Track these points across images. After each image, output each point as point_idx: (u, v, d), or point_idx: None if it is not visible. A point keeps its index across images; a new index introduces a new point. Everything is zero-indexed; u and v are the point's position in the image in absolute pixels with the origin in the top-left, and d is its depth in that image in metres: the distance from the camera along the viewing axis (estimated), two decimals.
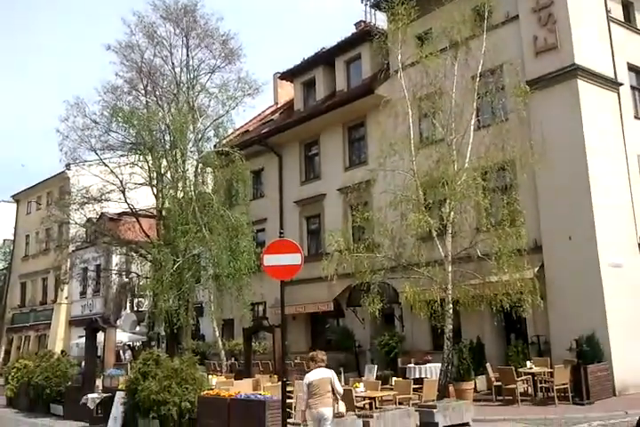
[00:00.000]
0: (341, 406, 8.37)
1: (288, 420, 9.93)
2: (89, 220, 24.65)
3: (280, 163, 26.22)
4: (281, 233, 10.39)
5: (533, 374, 14.74)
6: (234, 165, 21.18)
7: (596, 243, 15.58)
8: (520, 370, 14.74)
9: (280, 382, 9.73)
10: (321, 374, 8.29)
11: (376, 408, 12.14)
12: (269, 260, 9.53)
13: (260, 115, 31.59)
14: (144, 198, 23.59)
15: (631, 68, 18.66)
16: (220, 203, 20.55)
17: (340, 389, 8.37)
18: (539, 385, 14.65)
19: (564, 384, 13.83)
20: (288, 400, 11.15)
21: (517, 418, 12.36)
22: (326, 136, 24.32)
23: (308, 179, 25.22)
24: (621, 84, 17.93)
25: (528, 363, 15.22)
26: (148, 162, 22.49)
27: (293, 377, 14.93)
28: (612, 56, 17.98)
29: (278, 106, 31.30)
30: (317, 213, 24.37)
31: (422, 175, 16.09)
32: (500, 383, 14.64)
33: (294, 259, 9.47)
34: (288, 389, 12.52)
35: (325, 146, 24.43)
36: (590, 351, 14.23)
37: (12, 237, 44.22)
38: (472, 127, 16.10)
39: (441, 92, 16.44)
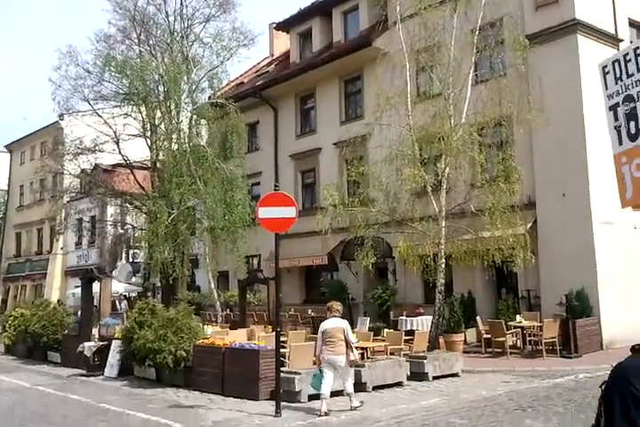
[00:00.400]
0: (355, 355, 9.06)
1: (281, 368, 10.18)
2: (83, 171, 24.52)
3: (275, 116, 25.92)
4: (276, 186, 10.39)
5: (523, 328, 15.07)
6: (228, 118, 20.95)
7: (589, 200, 15.65)
8: (510, 324, 15.06)
9: (274, 333, 9.91)
10: (335, 324, 8.93)
11: (368, 358, 12.43)
12: (264, 212, 9.57)
13: (255, 66, 30.99)
14: (138, 150, 23.39)
15: (632, 23, 18.28)
16: (214, 155, 20.42)
17: (352, 338, 8.98)
18: (527, 338, 14.99)
19: (552, 338, 14.15)
20: (282, 350, 11.41)
21: (506, 370, 12.70)
22: (322, 89, 23.97)
23: (303, 133, 25.01)
24: (622, 41, 17.60)
25: (518, 317, 15.53)
26: (141, 113, 22.20)
27: (287, 328, 15.25)
28: (614, 12, 17.60)
29: (274, 57, 30.67)
30: (312, 168, 24.28)
31: (418, 130, 15.96)
32: (489, 336, 14.97)
33: (289, 212, 9.52)
34: (282, 339, 12.84)
35: (321, 99, 24.13)
36: (579, 306, 14.52)
37: (6, 188, 44.04)
38: (470, 82, 15.86)
39: (439, 46, 16.12)
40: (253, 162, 24.40)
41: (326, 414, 8.68)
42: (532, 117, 14.92)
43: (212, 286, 20.90)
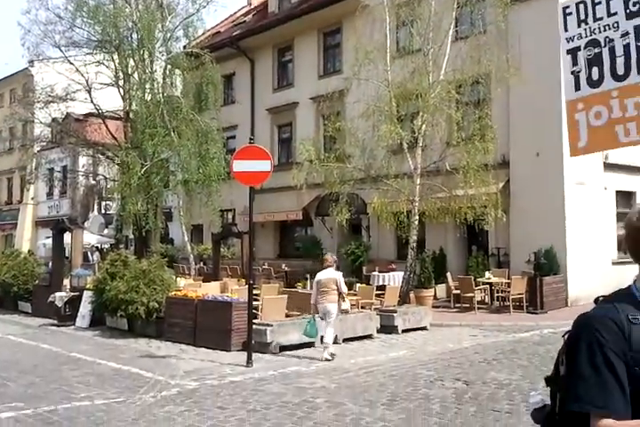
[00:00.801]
0: (346, 304, 9.75)
1: (254, 320, 10.30)
2: (54, 119, 23.86)
3: (252, 68, 25.37)
4: (251, 139, 10.26)
5: (491, 284, 15.42)
6: (204, 68, 20.44)
7: (562, 160, 15.75)
8: (479, 280, 15.39)
9: (247, 286, 9.98)
10: (329, 275, 9.57)
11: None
12: (239, 165, 9.49)
13: (232, 16, 30.10)
14: (111, 99, 22.78)
15: None
16: (189, 107, 20.00)
17: (344, 288, 9.61)
18: (495, 295, 15.37)
19: (519, 294, 14.52)
20: (254, 302, 11.53)
21: (473, 324, 13.04)
22: (301, 41, 23.44)
23: (280, 86, 24.58)
24: None
25: (487, 273, 15.86)
26: (114, 61, 21.50)
27: (260, 282, 15.36)
28: None
29: (252, 7, 29.78)
30: (289, 122, 24.00)
31: (396, 86, 15.78)
32: (458, 292, 15.30)
33: (264, 165, 9.45)
34: (255, 292, 12.95)
35: (300, 52, 23.63)
36: (547, 264, 14.86)
37: None
38: (450, 38, 15.65)
39: (420, 0, 15.81)
40: (229, 115, 23.97)
41: (327, 360, 9.17)
42: (509, 76, 14.83)
43: (186, 239, 20.85)
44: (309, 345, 10.20)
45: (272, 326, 9.86)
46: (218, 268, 16.36)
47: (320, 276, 9.64)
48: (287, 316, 11.04)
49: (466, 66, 15.33)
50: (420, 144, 15.73)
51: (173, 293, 11.76)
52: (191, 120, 19.76)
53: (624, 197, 17.79)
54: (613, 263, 16.23)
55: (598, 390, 1.61)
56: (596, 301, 1.82)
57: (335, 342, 10.06)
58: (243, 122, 25.07)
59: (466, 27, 16.77)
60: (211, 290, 12.70)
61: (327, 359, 9.25)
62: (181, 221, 20.66)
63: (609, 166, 16.31)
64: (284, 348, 9.89)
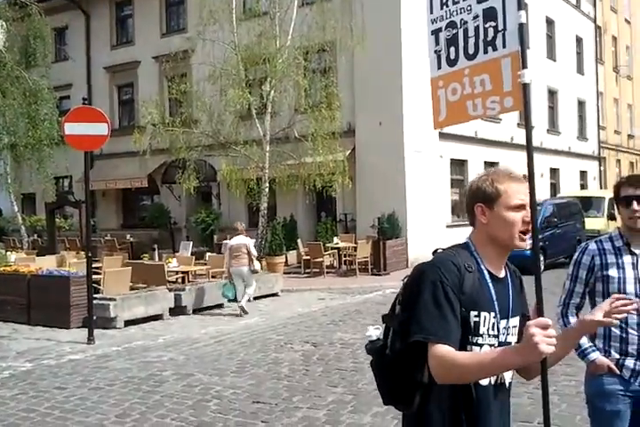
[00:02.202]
0: (257, 265, 10.77)
1: (96, 295, 9.71)
2: None
3: (87, 22, 23.43)
4: (84, 100, 9.45)
5: (339, 249, 15.89)
6: (30, 20, 18.47)
7: (402, 129, 16.46)
8: (327, 245, 15.78)
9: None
10: (239, 240, 10.47)
11: (189, 282, 12.33)
12: (71, 128, 8.71)
13: None
14: None
15: None
16: (14, 62, 18.06)
17: (254, 251, 10.61)
18: (343, 259, 15.87)
19: (365, 258, 15.11)
20: (96, 276, 10.86)
21: (322, 288, 13.38)
22: None
23: (120, 43, 23.01)
24: None
25: (335, 239, 16.30)
26: None
27: (102, 254, 14.54)
28: None
29: None
30: (130, 82, 22.63)
31: (244, 49, 15.44)
32: (309, 257, 15.59)
33: (100, 129, 8.76)
34: (96, 265, 12.21)
35: (140, 7, 22.17)
36: (390, 228, 15.58)
37: None
38: (296, 2, 15.52)
39: None
40: (62, 73, 22.06)
41: (245, 313, 10.19)
42: (353, 45, 15.06)
43: (16, 209, 19.10)
44: (156, 318, 9.85)
45: (115, 300, 9.34)
46: (54, 240, 15.19)
47: (231, 242, 10.63)
48: (132, 289, 10.54)
49: (312, 32, 15.35)
50: (269, 110, 15.60)
51: (2, 268, 10.71)
52: (17, 77, 17.90)
53: (457, 164, 19.07)
54: (447, 226, 17.45)
55: (440, 323, 1.79)
56: (435, 252, 2.00)
57: (184, 313, 9.84)
58: (78, 81, 23.21)
59: None
60: (46, 264, 11.75)
61: (241, 314, 10.16)
62: (9, 189, 18.84)
63: (443, 136, 17.28)
64: (129, 322, 9.44)
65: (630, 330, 2.87)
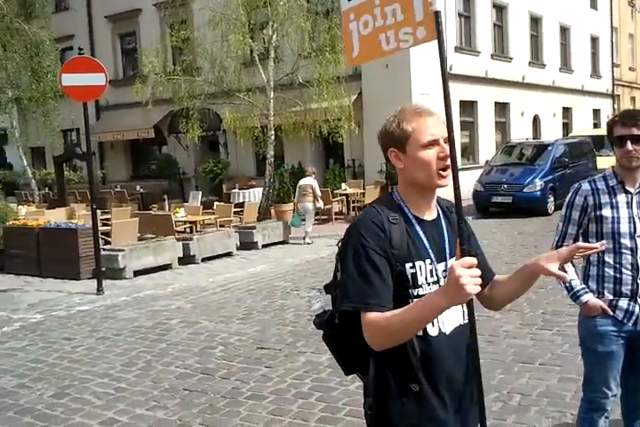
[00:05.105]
0: (320, 203, 12.62)
1: (104, 246, 9.82)
2: None
3: None
4: (80, 50, 9.24)
5: (347, 195, 15.84)
6: None
7: (410, 72, 16.05)
8: (336, 191, 15.72)
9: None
10: (307, 181, 12.37)
11: (197, 232, 12.40)
12: (69, 79, 8.62)
13: None
14: None
15: None
16: (13, 14, 17.66)
17: (318, 192, 12.48)
18: (352, 205, 15.83)
19: None
20: (104, 228, 10.97)
21: (330, 235, 13.30)
22: None
23: None
24: None
25: (343, 185, 16.23)
26: None
27: (112, 205, 14.62)
28: None
29: None
30: (133, 31, 22.20)
31: None
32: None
33: (97, 79, 8.65)
34: (105, 217, 12.31)
35: None
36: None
37: None
38: None
39: None
40: (63, 23, 21.66)
41: (308, 244, 12.17)
42: None
43: (25, 163, 19.15)
44: (165, 268, 9.96)
45: (124, 251, 9.43)
46: (63, 193, 15.25)
47: (301, 182, 12.50)
48: (141, 239, 10.62)
49: None
50: (272, 56, 15.19)
51: (11, 222, 10.81)
52: (17, 29, 17.53)
53: (467, 106, 18.66)
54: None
55: (366, 289, 1.72)
56: (365, 206, 1.95)
57: (193, 262, 10.01)
58: (80, 31, 22.81)
59: None
60: (56, 217, 11.83)
61: (308, 243, 12.15)
62: (18, 143, 18.84)
63: (452, 77, 16.80)
64: (139, 272, 9.57)
65: (624, 270, 2.82)
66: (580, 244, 1.94)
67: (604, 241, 2.18)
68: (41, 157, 23.40)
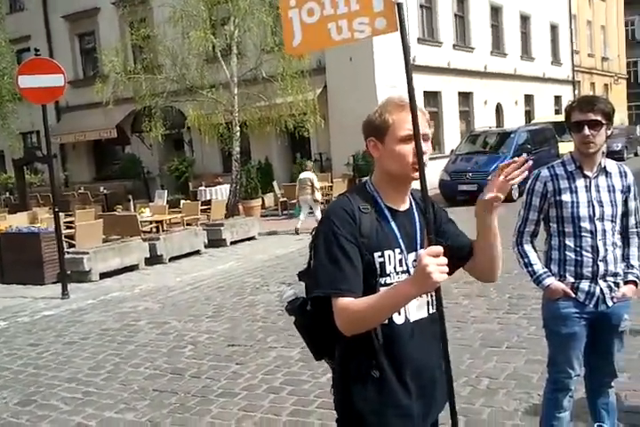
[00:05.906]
0: (317, 195, 12.74)
1: (68, 249, 9.63)
2: None
3: None
4: (36, 51, 9.02)
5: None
6: None
7: (374, 64, 16.07)
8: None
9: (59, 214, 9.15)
10: (305, 175, 12.75)
11: (163, 231, 12.24)
12: (26, 81, 8.43)
13: None
14: None
15: None
16: None
17: (317, 184, 12.80)
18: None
19: None
20: (68, 230, 10.75)
21: (300, 228, 13.32)
22: None
23: None
24: None
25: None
26: None
27: (75, 208, 14.35)
28: None
29: None
30: (92, 30, 21.80)
31: None
32: (285, 199, 15.51)
33: (56, 80, 8.47)
34: (69, 219, 12.06)
35: None
36: (364, 165, 15.47)
37: None
38: None
39: None
40: (19, 24, 21.20)
41: (297, 230, 12.41)
42: None
43: None
44: (132, 269, 9.81)
45: (88, 253, 9.26)
46: (25, 197, 14.93)
47: (300, 176, 12.92)
48: (106, 241, 10.44)
49: None
50: (235, 51, 15.07)
51: None
52: None
53: (431, 96, 18.78)
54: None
55: (336, 276, 1.74)
56: (340, 195, 1.93)
57: (160, 262, 9.84)
58: (36, 32, 22.28)
59: None
60: (18, 222, 11.58)
61: (297, 231, 12.41)
62: None
63: (416, 68, 16.88)
64: (105, 275, 9.41)
65: (585, 253, 2.84)
66: (503, 164, 1.84)
67: (524, 155, 2.07)
68: (0, 161, 22.87)
